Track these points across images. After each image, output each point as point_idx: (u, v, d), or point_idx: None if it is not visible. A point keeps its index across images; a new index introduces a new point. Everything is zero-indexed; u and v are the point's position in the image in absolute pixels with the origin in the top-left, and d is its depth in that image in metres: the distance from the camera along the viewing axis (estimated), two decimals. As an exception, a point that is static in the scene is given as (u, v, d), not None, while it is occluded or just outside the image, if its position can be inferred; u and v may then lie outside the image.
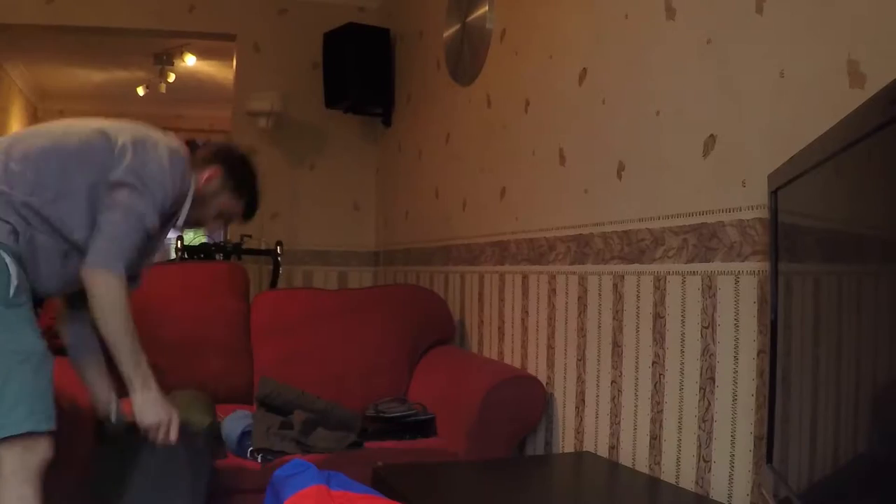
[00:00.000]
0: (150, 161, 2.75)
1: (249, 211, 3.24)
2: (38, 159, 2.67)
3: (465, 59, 4.80)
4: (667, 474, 2.80)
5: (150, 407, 2.80)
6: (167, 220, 2.90)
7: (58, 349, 3.62)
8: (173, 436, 2.84)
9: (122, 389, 2.93)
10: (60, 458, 2.94)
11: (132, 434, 2.92)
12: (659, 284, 2.90)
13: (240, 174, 3.13)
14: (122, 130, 2.82)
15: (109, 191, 2.70)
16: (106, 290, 2.68)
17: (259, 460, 3.38)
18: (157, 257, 3.20)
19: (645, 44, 3.05)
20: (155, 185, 2.73)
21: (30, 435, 2.49)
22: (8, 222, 2.59)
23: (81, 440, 3.07)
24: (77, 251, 2.72)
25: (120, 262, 2.67)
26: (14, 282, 2.57)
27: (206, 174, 3.01)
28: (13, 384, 2.49)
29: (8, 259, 2.58)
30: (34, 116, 10.65)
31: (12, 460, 2.47)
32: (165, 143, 2.85)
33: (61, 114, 10.59)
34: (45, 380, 2.57)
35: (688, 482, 2.69)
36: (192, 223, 3.11)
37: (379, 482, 2.89)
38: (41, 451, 2.53)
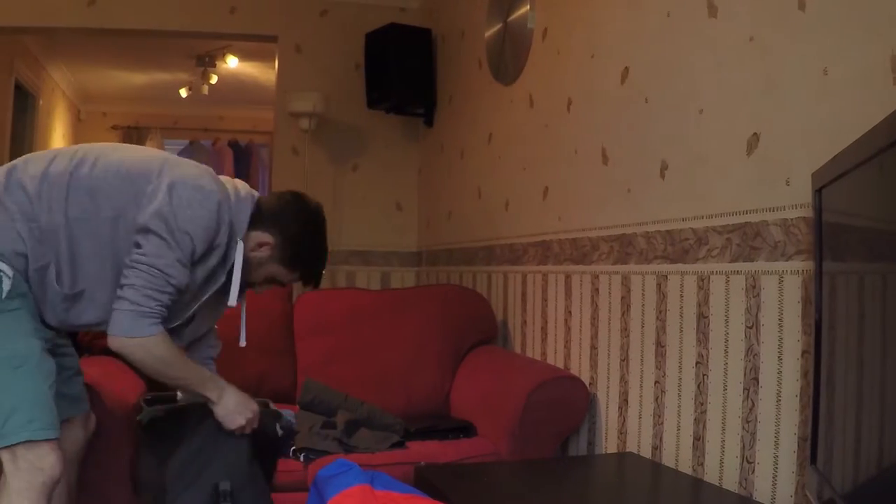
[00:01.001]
0: (182, 206, 2.59)
1: (306, 280, 2.98)
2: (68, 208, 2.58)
3: (507, 59, 4.79)
4: (710, 475, 2.78)
5: (231, 414, 2.83)
6: (213, 270, 2.76)
7: (102, 349, 3.68)
8: (255, 425, 2.90)
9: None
10: (106, 448, 3.02)
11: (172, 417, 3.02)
12: (702, 284, 2.89)
13: (295, 247, 2.88)
14: (163, 169, 2.67)
15: (134, 238, 2.59)
16: (144, 354, 2.61)
17: (301, 459, 3.39)
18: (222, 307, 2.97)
19: (687, 42, 3.03)
20: (182, 234, 2.59)
21: (34, 449, 2.40)
22: (22, 253, 2.55)
23: (123, 430, 3.14)
24: (83, 298, 2.66)
25: (148, 322, 2.57)
26: (6, 287, 2.50)
27: (256, 241, 2.83)
28: (8, 392, 2.42)
29: (3, 265, 2.50)
30: (77, 119, 10.75)
31: (19, 478, 2.39)
32: (210, 186, 2.68)
33: (104, 116, 10.70)
34: (43, 384, 2.48)
35: (731, 483, 2.67)
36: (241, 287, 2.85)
37: (421, 482, 2.90)
38: (48, 468, 2.42)
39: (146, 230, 2.56)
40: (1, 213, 2.54)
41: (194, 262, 2.66)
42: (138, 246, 2.57)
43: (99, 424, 3.04)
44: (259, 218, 2.82)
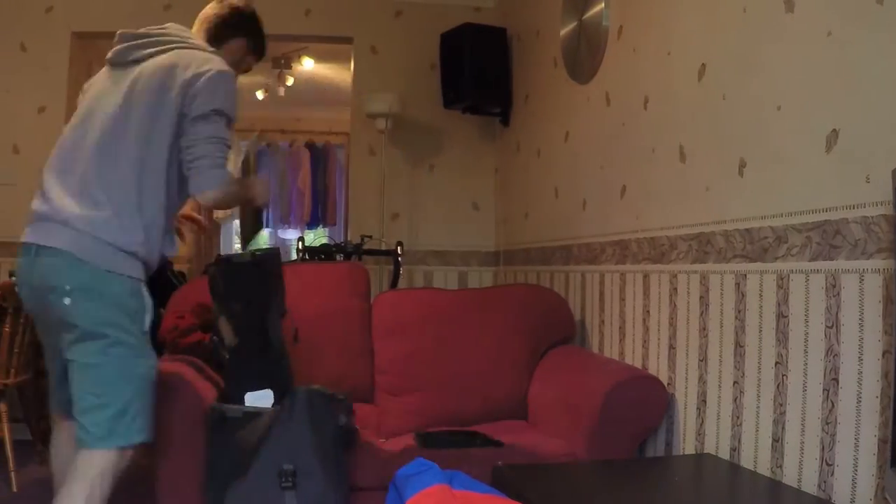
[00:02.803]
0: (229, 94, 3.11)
1: (261, 56, 3.66)
2: (118, 191, 2.93)
3: (583, 57, 4.77)
4: (789, 478, 2.75)
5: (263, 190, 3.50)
6: None
7: (184, 348, 3.77)
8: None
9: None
10: (179, 441, 3.17)
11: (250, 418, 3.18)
12: (782, 283, 2.85)
13: (257, 34, 3.57)
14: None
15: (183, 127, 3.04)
16: (224, 198, 3.13)
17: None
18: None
19: (764, 38, 3.00)
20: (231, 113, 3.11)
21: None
22: (133, 254, 2.91)
23: (197, 429, 3.26)
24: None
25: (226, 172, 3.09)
26: (149, 316, 2.95)
27: (232, 47, 3.42)
28: (137, 401, 2.85)
29: (146, 294, 2.96)
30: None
31: (107, 462, 2.77)
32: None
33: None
34: (154, 397, 2.94)
35: (810, 486, 2.63)
36: None
37: (498, 481, 2.90)
38: (127, 458, 2.84)
39: (202, 118, 3.00)
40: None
41: None
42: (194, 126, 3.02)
43: (175, 423, 3.22)
44: (221, 35, 3.44)
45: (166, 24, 3.30)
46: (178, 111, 2.98)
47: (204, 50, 3.20)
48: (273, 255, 3.48)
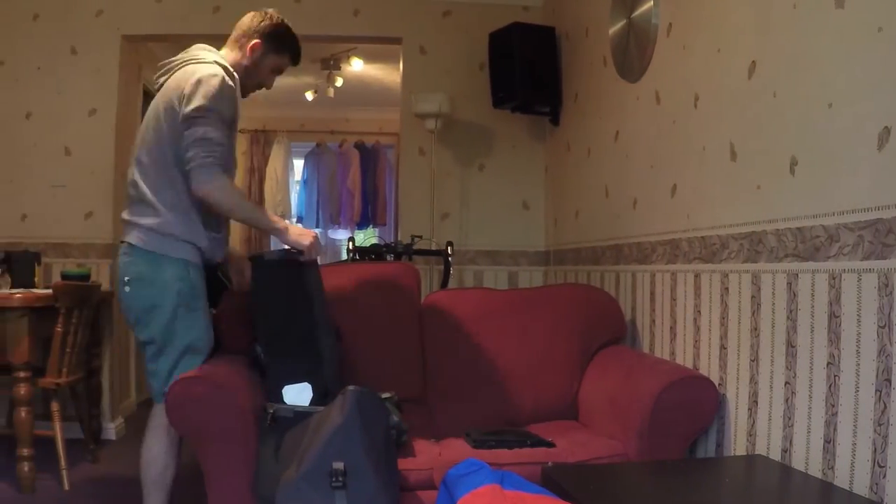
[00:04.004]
0: (209, 94, 3.45)
1: (295, 58, 3.93)
2: (151, 185, 3.55)
3: (632, 56, 4.75)
4: (840, 479, 2.72)
5: (298, 234, 3.65)
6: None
7: (240, 349, 3.80)
8: (319, 251, 3.74)
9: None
10: (231, 439, 3.27)
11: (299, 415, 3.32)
12: (834, 283, 2.82)
13: (276, 36, 3.79)
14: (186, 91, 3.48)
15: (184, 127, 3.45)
16: (220, 195, 3.48)
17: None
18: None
19: (814, 34, 2.96)
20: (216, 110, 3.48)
21: None
22: (191, 243, 3.55)
23: (250, 426, 3.31)
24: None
25: (215, 169, 3.45)
26: (198, 292, 3.55)
27: (249, 47, 3.73)
28: (178, 368, 3.48)
29: (195, 275, 3.55)
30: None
31: (162, 416, 3.42)
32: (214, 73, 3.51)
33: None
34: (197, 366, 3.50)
35: (861, 488, 2.60)
36: (253, 88, 3.90)
37: (548, 482, 2.89)
38: None
39: (187, 122, 3.44)
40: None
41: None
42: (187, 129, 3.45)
43: (227, 421, 3.30)
44: (241, 39, 3.78)
45: (192, 46, 3.68)
46: (179, 121, 3.46)
47: (202, 62, 3.59)
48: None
